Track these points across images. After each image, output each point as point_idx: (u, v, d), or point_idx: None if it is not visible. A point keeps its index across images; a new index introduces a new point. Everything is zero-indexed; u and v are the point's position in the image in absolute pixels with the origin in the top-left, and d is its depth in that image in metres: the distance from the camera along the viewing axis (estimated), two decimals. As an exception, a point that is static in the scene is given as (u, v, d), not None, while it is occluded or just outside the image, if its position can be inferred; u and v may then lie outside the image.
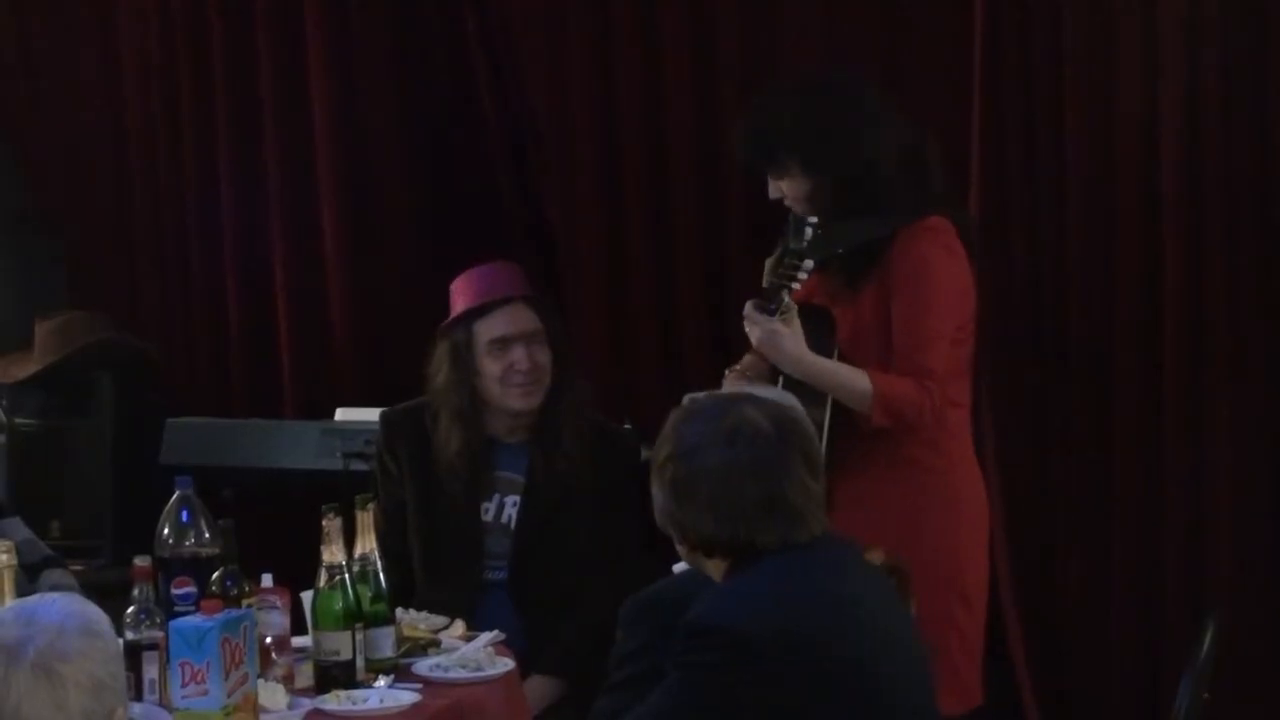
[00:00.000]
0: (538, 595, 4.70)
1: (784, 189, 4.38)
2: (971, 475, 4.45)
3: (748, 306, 4.25)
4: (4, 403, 5.94)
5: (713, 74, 5.41)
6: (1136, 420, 4.99)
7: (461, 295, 4.81)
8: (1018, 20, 5.06)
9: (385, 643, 3.87)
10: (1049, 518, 5.14)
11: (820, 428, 4.16)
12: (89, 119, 6.20)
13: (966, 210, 4.74)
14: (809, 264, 4.20)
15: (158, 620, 3.61)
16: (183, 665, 3.37)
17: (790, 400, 3.60)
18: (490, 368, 4.73)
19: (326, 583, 3.81)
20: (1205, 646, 3.90)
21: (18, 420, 5.92)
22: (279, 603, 3.79)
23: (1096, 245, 5.02)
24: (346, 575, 3.82)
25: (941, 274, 4.32)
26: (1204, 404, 4.93)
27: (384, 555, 3.97)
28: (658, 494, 3.20)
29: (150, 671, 3.58)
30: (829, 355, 4.28)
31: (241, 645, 3.42)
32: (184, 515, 3.84)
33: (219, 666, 3.35)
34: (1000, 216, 5.07)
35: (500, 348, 4.73)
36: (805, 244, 4.21)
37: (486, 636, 4.10)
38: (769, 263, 4.26)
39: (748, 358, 4.40)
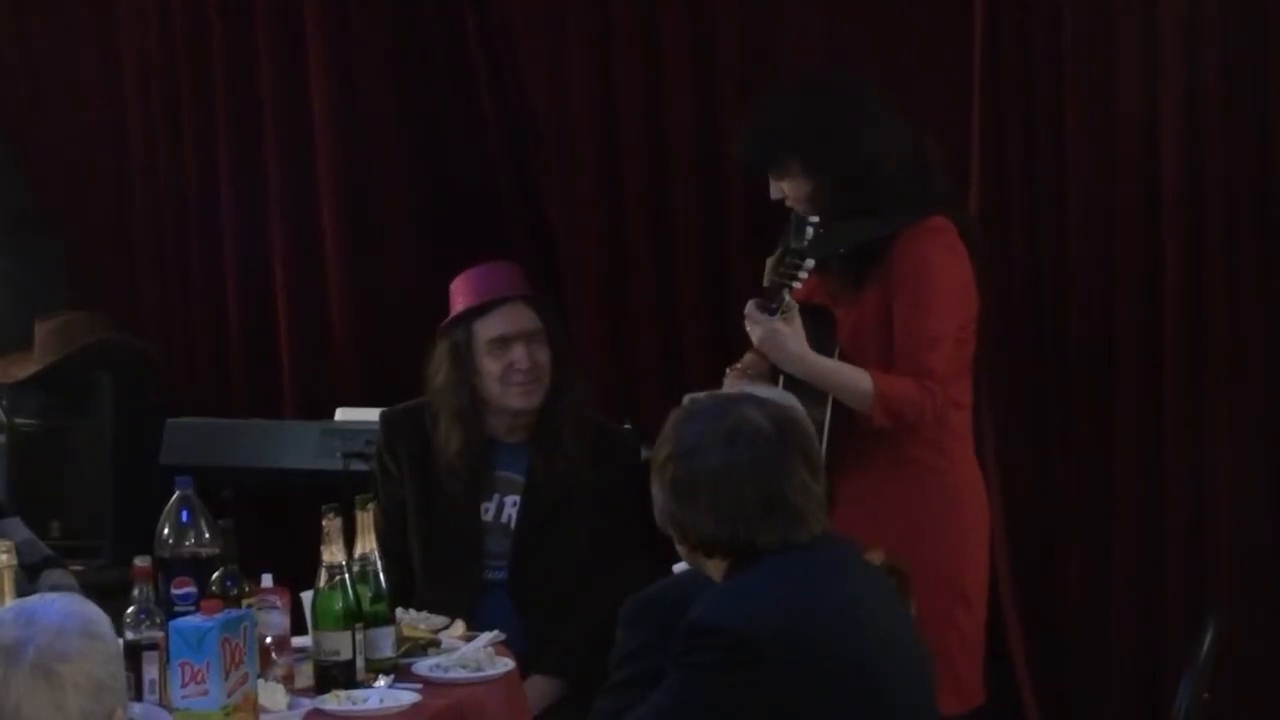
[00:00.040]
0: (538, 595, 4.70)
1: (785, 189, 4.38)
2: (972, 475, 4.45)
3: (749, 306, 4.25)
4: (4, 403, 5.94)
5: (713, 74, 5.41)
6: (1136, 420, 4.99)
7: (461, 295, 4.81)
8: (1018, 20, 5.06)
9: (385, 643, 3.87)
10: (1049, 518, 5.14)
11: (821, 427, 4.16)
12: (89, 119, 6.20)
13: (968, 210, 4.74)
14: (810, 263, 4.20)
15: (158, 620, 3.61)
16: (183, 665, 3.37)
17: (790, 400, 3.60)
18: (490, 367, 4.73)
19: (326, 583, 3.81)
20: (1205, 646, 3.90)
21: (18, 420, 5.92)
22: (279, 603, 3.79)
23: (1096, 245, 5.02)
24: (346, 575, 3.82)
25: (943, 274, 4.32)
26: (1204, 404, 4.93)
27: (384, 555, 3.97)
28: (658, 494, 3.20)
29: (150, 671, 3.58)
30: (830, 355, 4.28)
31: (241, 645, 3.42)
32: (184, 515, 3.84)
33: (219, 666, 3.35)
34: (1000, 216, 5.07)
35: (500, 347, 4.73)
36: (806, 243, 4.21)
37: (486, 636, 4.10)
38: (770, 262, 4.26)
39: (748, 356, 4.40)
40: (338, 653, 3.79)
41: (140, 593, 3.65)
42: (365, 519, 3.91)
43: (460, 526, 4.76)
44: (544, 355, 4.75)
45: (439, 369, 4.78)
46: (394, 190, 5.86)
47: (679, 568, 3.36)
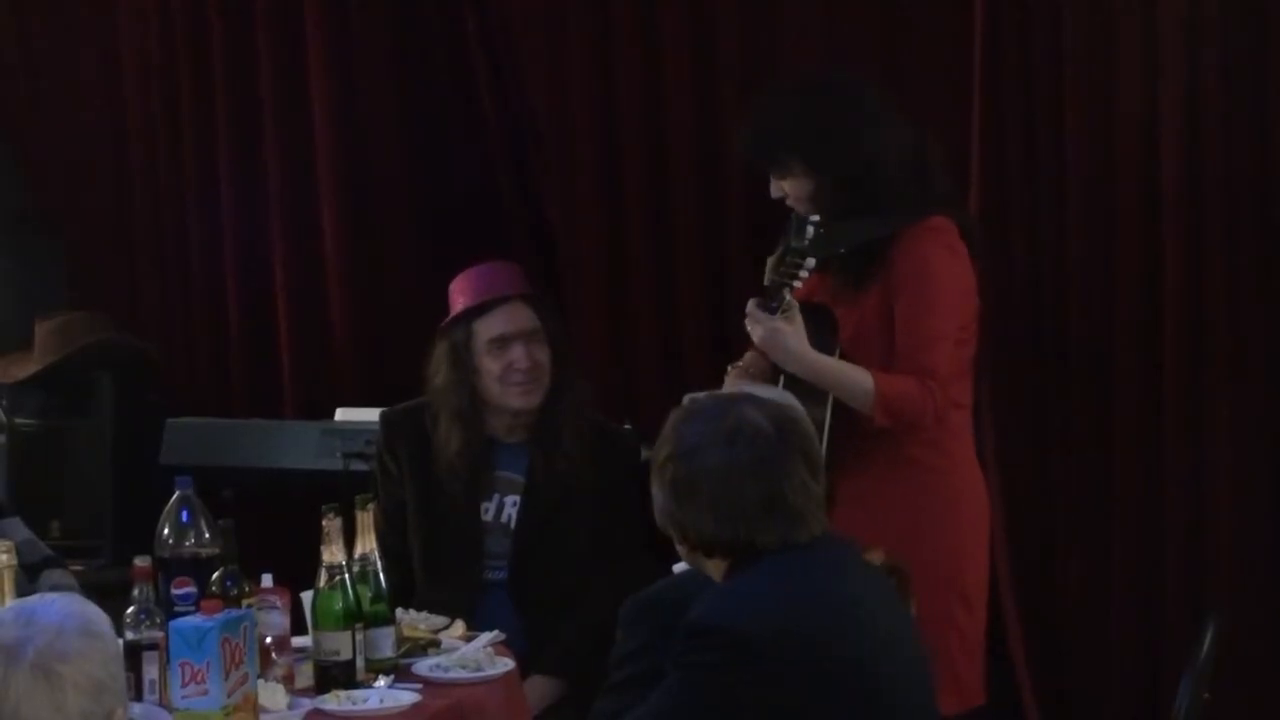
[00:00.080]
0: (538, 595, 4.70)
1: (786, 188, 4.38)
2: (973, 476, 4.45)
3: (750, 305, 4.25)
4: (4, 403, 5.94)
5: (713, 74, 5.41)
6: (1136, 420, 4.99)
7: (460, 294, 4.81)
8: (1018, 20, 5.06)
9: (385, 643, 3.87)
10: (1049, 518, 5.13)
11: (821, 427, 4.16)
12: (89, 119, 6.20)
13: (968, 210, 4.74)
14: (810, 262, 4.21)
15: (158, 620, 3.61)
16: (183, 665, 3.37)
17: (790, 400, 3.60)
18: (490, 366, 4.73)
19: (326, 583, 3.81)
20: (1205, 646, 3.90)
21: (18, 420, 5.92)
22: (279, 603, 3.79)
23: (1096, 245, 5.02)
24: (346, 575, 3.82)
25: (944, 274, 4.32)
26: (1204, 404, 4.93)
27: (384, 555, 3.97)
28: (658, 494, 3.20)
29: (150, 672, 3.58)
30: (831, 354, 4.28)
31: (241, 645, 3.42)
32: (184, 515, 3.84)
33: (219, 666, 3.35)
34: (1000, 216, 5.07)
35: (499, 346, 4.73)
36: (807, 242, 4.21)
37: (486, 636, 4.10)
38: (770, 261, 4.26)
39: (749, 355, 4.40)
40: (338, 653, 3.79)
41: (140, 593, 3.65)
42: (365, 519, 3.91)
43: (460, 526, 4.76)
44: (543, 355, 4.75)
45: (439, 369, 4.78)
46: (394, 190, 5.86)
47: (679, 568, 3.36)
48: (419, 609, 4.25)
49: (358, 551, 3.90)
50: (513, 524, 4.76)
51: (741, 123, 4.54)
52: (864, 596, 3.15)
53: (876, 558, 3.40)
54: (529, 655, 4.45)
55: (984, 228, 4.68)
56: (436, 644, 4.05)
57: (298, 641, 3.85)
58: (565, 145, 5.58)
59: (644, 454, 4.44)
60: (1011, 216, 5.10)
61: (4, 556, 3.61)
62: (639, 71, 5.48)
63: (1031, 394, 5.13)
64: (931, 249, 4.31)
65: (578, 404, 4.77)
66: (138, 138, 6.15)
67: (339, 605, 3.80)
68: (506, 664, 3.97)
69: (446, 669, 3.90)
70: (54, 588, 4.03)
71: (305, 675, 3.81)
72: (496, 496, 4.78)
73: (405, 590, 4.57)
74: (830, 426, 4.23)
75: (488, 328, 4.75)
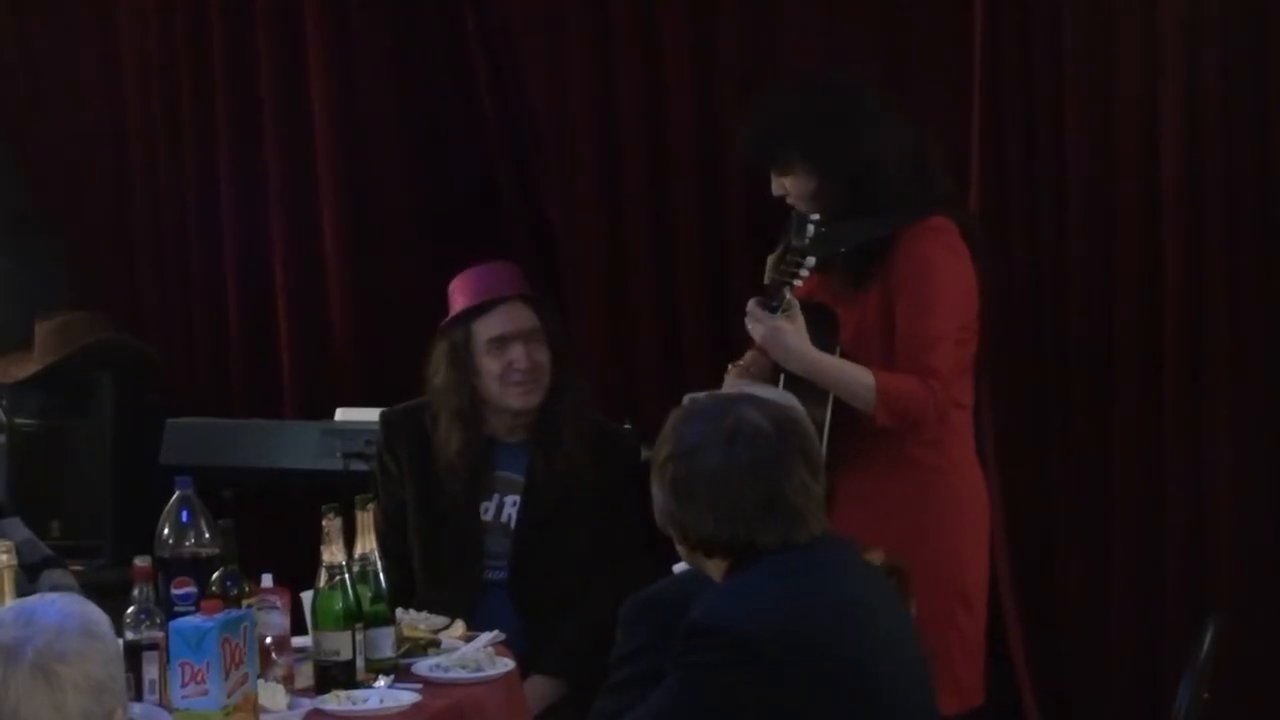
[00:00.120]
0: (538, 595, 4.70)
1: (787, 186, 4.38)
2: (973, 476, 4.45)
3: (750, 304, 4.25)
4: (4, 403, 5.94)
5: (713, 74, 5.41)
6: (1136, 420, 4.99)
7: (459, 295, 4.81)
8: (1018, 20, 5.06)
9: (385, 643, 3.87)
10: (1049, 518, 5.13)
11: (821, 426, 4.17)
12: (89, 119, 6.20)
13: (968, 210, 4.74)
14: (811, 260, 4.21)
15: (158, 620, 3.61)
16: (183, 665, 3.36)
17: (790, 400, 3.60)
18: (489, 367, 4.73)
19: (326, 583, 3.81)
20: (1205, 646, 3.90)
21: (18, 420, 5.92)
22: (279, 603, 3.79)
23: (1096, 245, 5.02)
24: (346, 575, 3.82)
25: (945, 274, 4.32)
26: (1204, 404, 4.93)
27: (384, 555, 3.97)
28: (658, 494, 3.20)
29: (150, 672, 3.58)
30: (832, 353, 4.28)
31: (241, 645, 3.42)
32: (184, 515, 3.84)
33: (219, 666, 3.35)
34: (1000, 216, 5.07)
35: (499, 346, 4.73)
36: (807, 241, 4.21)
37: (486, 636, 4.10)
38: (771, 259, 4.27)
39: (750, 354, 4.40)
40: (338, 653, 3.79)
41: (140, 593, 3.65)
42: (365, 519, 3.91)
43: (460, 526, 4.76)
44: (543, 355, 4.75)
45: (438, 369, 4.78)
46: (394, 190, 5.86)
47: (679, 568, 3.36)
48: (419, 609, 4.25)
49: (358, 551, 3.90)
50: (513, 524, 4.76)
51: (742, 121, 4.54)
52: (864, 596, 3.15)
53: (876, 558, 3.40)
54: (529, 655, 4.45)
55: (984, 228, 4.68)
56: (436, 644, 4.05)
57: (298, 641, 3.85)
58: (565, 145, 5.58)
59: (644, 454, 4.44)
60: (1011, 216, 5.10)
61: (4, 556, 3.61)
62: (639, 71, 5.48)
63: (1031, 394, 5.13)
64: (932, 249, 4.32)
65: (578, 404, 4.77)
66: (138, 138, 6.15)
67: (339, 605, 3.80)
68: (506, 664, 3.97)
69: (446, 669, 3.90)
70: (54, 588, 4.03)
71: (305, 675, 3.81)
72: (496, 496, 4.78)
73: (405, 590, 4.57)
74: (830, 426, 4.24)
75: (487, 328, 4.75)
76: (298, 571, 3.91)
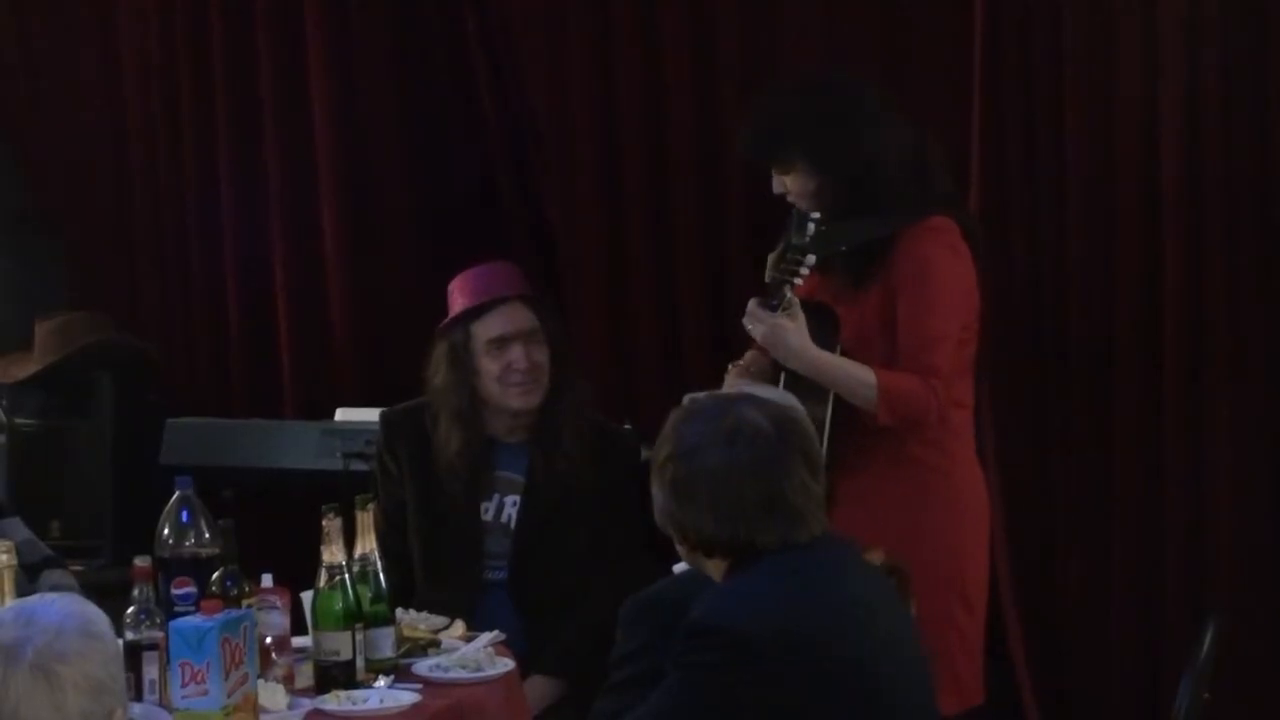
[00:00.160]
0: (538, 595, 4.70)
1: (788, 184, 4.38)
2: (973, 476, 4.45)
3: (751, 304, 4.26)
4: (4, 403, 5.94)
5: (713, 74, 5.41)
6: (1136, 420, 4.99)
7: (459, 295, 4.81)
8: (1018, 20, 5.06)
9: (385, 643, 3.87)
10: (1049, 518, 5.13)
11: (822, 425, 4.17)
12: (89, 119, 6.20)
13: (969, 210, 4.74)
14: (811, 259, 4.21)
15: (158, 620, 3.61)
16: (183, 665, 3.36)
17: (790, 400, 3.60)
18: (489, 367, 4.73)
19: (326, 583, 3.81)
20: (1205, 646, 3.90)
21: (18, 420, 5.92)
22: (279, 603, 3.79)
23: (1096, 245, 5.02)
24: (346, 575, 3.81)
25: (946, 274, 4.32)
26: (1204, 404, 4.93)
27: (384, 555, 3.97)
28: (658, 494, 3.20)
29: (150, 672, 3.58)
30: (832, 352, 4.28)
31: (241, 645, 3.41)
32: (184, 515, 3.83)
33: (219, 667, 3.35)
34: (1000, 216, 5.07)
35: (498, 347, 4.73)
36: (807, 239, 4.22)
37: (486, 637, 4.10)
38: (771, 258, 4.27)
39: (750, 353, 4.40)
40: (338, 653, 3.79)
41: (140, 593, 3.65)
42: (365, 519, 3.91)
43: (460, 526, 4.76)
44: (542, 355, 4.74)
45: (438, 369, 4.78)
46: (394, 190, 5.86)
47: (679, 568, 3.36)
48: (419, 609, 4.25)
49: (358, 551, 3.90)
50: (513, 524, 4.76)
51: (743, 121, 4.54)
52: (864, 596, 3.15)
53: (876, 558, 3.40)
54: (529, 655, 4.45)
55: (984, 228, 4.68)
56: (436, 644, 4.05)
57: (298, 641, 3.85)
58: (565, 145, 5.58)
59: (644, 454, 4.44)
60: (1011, 216, 5.10)
61: (4, 556, 3.61)
62: (639, 71, 5.48)
63: (1031, 394, 5.13)
64: (933, 249, 4.32)
65: (578, 404, 4.77)
66: (138, 138, 6.15)
67: (339, 605, 3.80)
68: (506, 664, 3.97)
69: (446, 669, 3.90)
70: (54, 588, 4.03)
71: (305, 675, 3.81)
72: (496, 496, 4.78)
73: (405, 590, 4.57)
74: (831, 425, 4.24)
75: (486, 329, 4.75)
76: (298, 571, 3.91)
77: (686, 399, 3.34)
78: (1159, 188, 4.93)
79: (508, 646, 4.11)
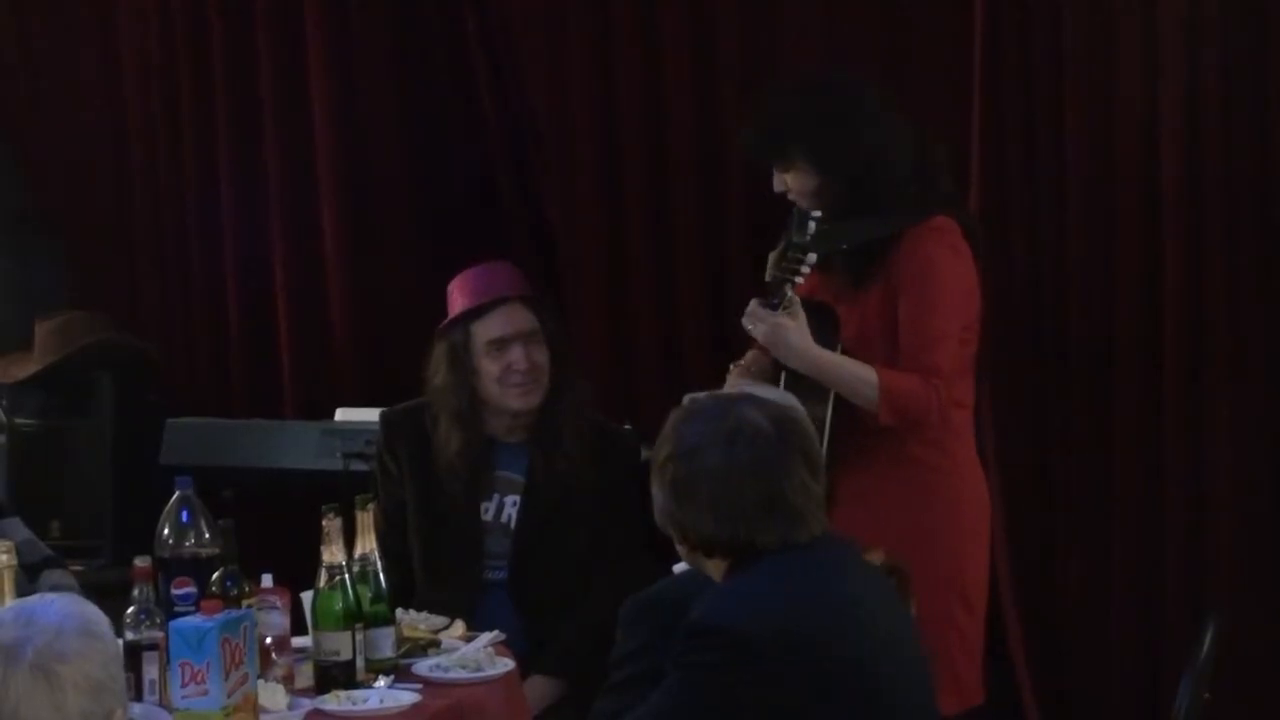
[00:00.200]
0: (538, 595, 4.70)
1: (789, 182, 4.38)
2: (974, 476, 4.45)
3: (752, 304, 4.26)
4: (4, 403, 5.94)
5: (713, 74, 5.41)
6: (1136, 420, 4.99)
7: (458, 296, 4.80)
8: (1018, 20, 5.06)
9: (385, 643, 3.87)
10: (1049, 518, 5.14)
11: (822, 424, 4.17)
12: (89, 119, 6.20)
13: (969, 210, 4.75)
14: (812, 257, 4.21)
15: (158, 620, 3.61)
16: (183, 665, 3.36)
17: (791, 401, 3.60)
18: (488, 368, 4.73)
19: (326, 583, 3.81)
20: (1205, 646, 3.90)
21: (18, 420, 5.92)
22: (279, 603, 3.79)
23: (1096, 245, 5.02)
24: (346, 575, 3.81)
25: (948, 274, 4.32)
26: (1204, 404, 4.93)
27: (384, 555, 3.97)
28: (658, 494, 3.20)
29: (150, 672, 3.58)
30: (833, 351, 4.28)
31: (241, 645, 3.41)
32: (184, 515, 3.83)
33: (219, 667, 3.35)
34: (1000, 216, 5.07)
35: (498, 348, 4.73)
36: (808, 238, 4.21)
37: (486, 637, 4.10)
38: (772, 257, 4.27)
39: (751, 354, 4.40)
40: (338, 653, 3.79)
41: (140, 593, 3.65)
42: (365, 519, 3.91)
43: (460, 526, 4.76)
44: (542, 356, 4.74)
45: (437, 370, 4.78)
46: (394, 190, 5.86)
47: (679, 568, 3.36)
48: (419, 609, 4.25)
49: (358, 551, 3.90)
50: (513, 524, 4.76)
51: (744, 120, 4.55)
52: (864, 596, 3.15)
53: (876, 558, 3.40)
54: (529, 655, 4.45)
55: (984, 228, 4.68)
56: (436, 644, 4.05)
57: (298, 641, 3.85)
58: (565, 145, 5.58)
59: (644, 454, 4.44)
60: (1011, 216, 5.10)
61: (4, 556, 3.61)
62: (639, 71, 5.48)
63: (1031, 394, 5.13)
64: (935, 249, 4.32)
65: (578, 404, 4.77)
66: (138, 138, 6.15)
67: (339, 605, 3.80)
68: (506, 664, 3.97)
69: (446, 669, 3.90)
70: (54, 588, 4.03)
71: (305, 675, 3.81)
72: (496, 496, 4.78)
73: (405, 590, 4.57)
74: (831, 424, 4.24)
75: (486, 329, 4.74)
76: (298, 571, 3.91)
77: (686, 399, 3.34)
78: (1159, 188, 4.93)
79: (508, 646, 4.11)
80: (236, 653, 3.40)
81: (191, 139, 6.04)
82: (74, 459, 5.86)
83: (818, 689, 3.01)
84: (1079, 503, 5.09)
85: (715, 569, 3.18)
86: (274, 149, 5.91)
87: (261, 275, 5.96)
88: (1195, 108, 4.89)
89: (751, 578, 3.11)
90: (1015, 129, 5.09)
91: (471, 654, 3.97)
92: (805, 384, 4.21)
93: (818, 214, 4.26)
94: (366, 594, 3.85)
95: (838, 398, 4.25)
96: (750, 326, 4.27)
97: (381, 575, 3.90)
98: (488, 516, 4.78)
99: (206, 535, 3.82)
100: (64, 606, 2.74)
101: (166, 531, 3.83)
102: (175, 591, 3.77)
